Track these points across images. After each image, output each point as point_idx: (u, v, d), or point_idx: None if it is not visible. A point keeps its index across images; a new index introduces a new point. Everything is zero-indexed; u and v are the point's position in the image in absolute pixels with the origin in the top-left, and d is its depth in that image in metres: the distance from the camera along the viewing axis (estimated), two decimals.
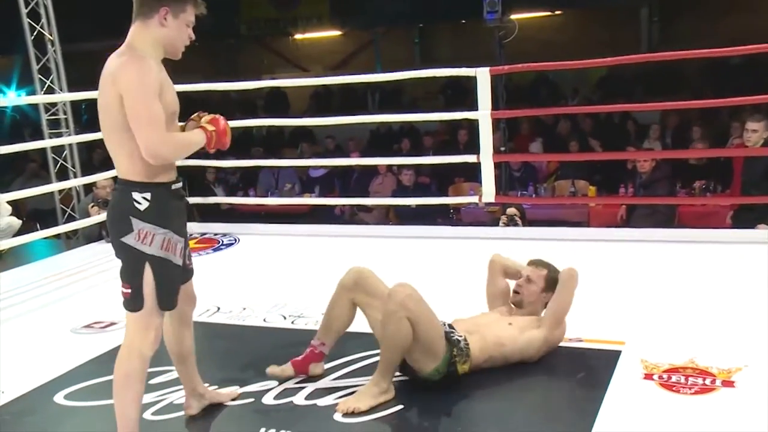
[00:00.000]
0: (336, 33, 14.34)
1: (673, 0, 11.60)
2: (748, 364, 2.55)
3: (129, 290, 2.22)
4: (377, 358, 2.79)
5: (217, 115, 2.33)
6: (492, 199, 4.82)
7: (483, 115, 4.51)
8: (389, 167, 7.99)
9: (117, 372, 2.24)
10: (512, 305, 2.89)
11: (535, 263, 2.88)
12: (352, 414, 2.44)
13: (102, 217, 5.03)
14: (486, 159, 4.59)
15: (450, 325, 2.63)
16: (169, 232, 2.20)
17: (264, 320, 3.40)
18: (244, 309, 3.53)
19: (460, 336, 2.60)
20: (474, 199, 5.52)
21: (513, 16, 6.91)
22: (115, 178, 2.29)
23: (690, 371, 2.55)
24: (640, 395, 2.44)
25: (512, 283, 2.92)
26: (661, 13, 12.15)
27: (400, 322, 2.45)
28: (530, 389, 2.60)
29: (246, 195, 8.55)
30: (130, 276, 2.21)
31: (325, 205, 7.49)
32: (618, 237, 4.42)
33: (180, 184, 2.29)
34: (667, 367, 2.59)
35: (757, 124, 4.83)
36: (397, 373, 2.61)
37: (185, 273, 2.36)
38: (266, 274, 4.18)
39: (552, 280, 2.81)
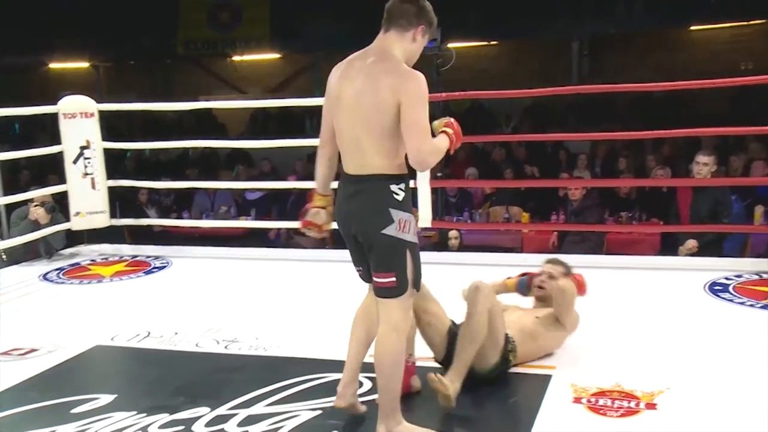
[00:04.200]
0: (275, 56, 14.31)
1: (601, 35, 12.04)
2: (670, 387, 2.64)
3: (393, 278, 2.30)
4: (315, 383, 2.79)
5: (450, 119, 2.41)
6: (429, 224, 4.88)
7: None
8: None
9: (386, 356, 2.33)
10: (537, 301, 3.09)
11: (553, 261, 3.14)
12: (444, 398, 2.51)
13: (32, 235, 4.82)
14: (423, 184, 4.65)
15: None
16: (414, 219, 2.33)
17: (197, 345, 3.33)
18: (176, 333, 3.45)
19: (507, 331, 2.80)
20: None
21: (450, 45, 7.04)
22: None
23: (616, 395, 2.62)
24: (569, 419, 2.50)
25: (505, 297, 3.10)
26: (591, 47, 12.60)
27: (483, 316, 2.64)
28: (464, 413, 2.62)
29: (180, 217, 8.39)
30: (395, 265, 2.30)
31: (260, 229, 7.41)
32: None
33: None
34: (595, 390, 2.66)
35: (707, 157, 4.99)
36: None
37: None
38: (199, 297, 4.10)
39: (568, 274, 3.07)
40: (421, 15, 2.34)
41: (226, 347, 3.29)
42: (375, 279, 2.34)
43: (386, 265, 2.30)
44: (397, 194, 2.28)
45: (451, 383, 2.54)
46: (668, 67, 11.00)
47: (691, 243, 4.94)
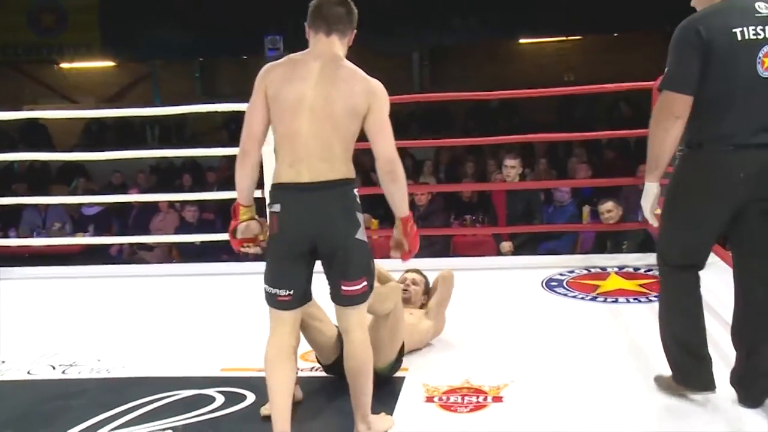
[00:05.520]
0: (109, 64, 13.60)
1: (440, 46, 12.56)
2: (514, 380, 2.78)
3: (365, 283, 2.29)
4: (164, 402, 2.68)
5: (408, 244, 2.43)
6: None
7: (269, 150, 4.51)
8: (171, 204, 7.68)
9: (368, 363, 2.34)
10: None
11: (416, 270, 3.35)
12: None
13: None
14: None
15: None
16: None
17: (28, 372, 3.07)
18: (3, 362, 3.16)
19: None
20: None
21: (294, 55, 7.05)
22: None
23: (465, 391, 2.72)
24: (422, 418, 2.56)
25: None
26: (431, 57, 13.11)
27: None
28: (319, 416, 2.61)
29: (5, 236, 7.74)
30: (366, 269, 2.29)
31: (100, 245, 7.00)
32: (399, 267, 4.60)
33: None
34: (446, 388, 2.74)
35: (513, 161, 5.36)
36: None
37: None
38: (31, 321, 3.77)
39: (428, 283, 3.33)
40: (353, 18, 2.37)
41: (63, 372, 3.06)
42: (345, 288, 2.27)
43: (360, 272, 2.27)
44: (357, 198, 2.29)
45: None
46: (501, 77, 11.68)
47: (507, 245, 5.29)
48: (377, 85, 2.29)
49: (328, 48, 2.31)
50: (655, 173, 2.45)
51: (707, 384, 2.48)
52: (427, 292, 3.31)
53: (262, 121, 2.30)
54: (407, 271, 3.34)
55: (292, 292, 2.29)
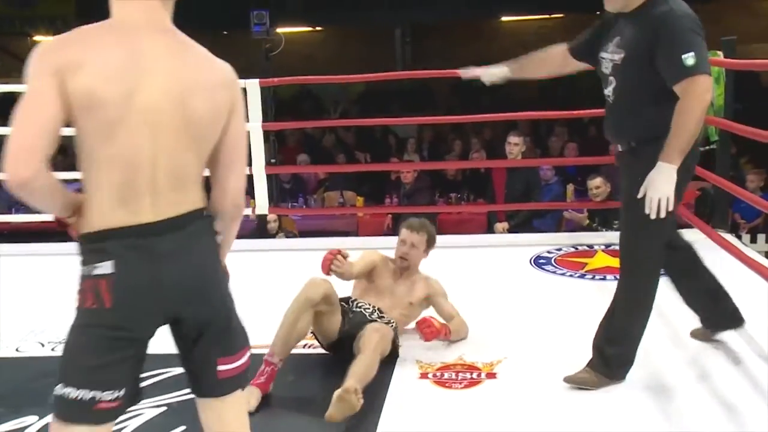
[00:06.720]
0: None
1: (422, 23, 12.49)
2: (507, 356, 2.81)
3: (248, 353, 1.60)
4: (157, 379, 2.67)
5: None
6: (265, 211, 4.81)
7: (254, 127, 4.48)
8: None
9: None
10: (399, 269, 3.07)
11: (413, 228, 3.02)
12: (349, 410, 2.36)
13: None
14: (258, 171, 4.57)
15: (379, 309, 2.86)
16: None
17: (17, 350, 3.04)
18: None
19: (391, 319, 2.85)
20: (247, 211, 5.44)
21: (277, 30, 6.94)
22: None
23: (459, 368, 2.75)
24: (417, 394, 2.58)
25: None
26: (413, 34, 13.03)
27: (377, 358, 2.58)
28: (316, 393, 2.61)
29: None
30: (246, 333, 1.62)
31: None
32: (385, 245, 4.60)
33: None
34: (440, 365, 2.77)
35: (517, 138, 5.38)
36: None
37: None
38: (20, 298, 3.71)
39: (431, 237, 3.03)
40: None
41: (53, 349, 3.02)
42: (224, 368, 1.56)
43: (243, 339, 1.61)
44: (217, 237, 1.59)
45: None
46: (484, 55, 11.58)
47: (501, 226, 5.31)
48: (235, 74, 1.56)
49: (157, 15, 1.48)
50: (681, 157, 2.28)
51: (625, 374, 2.58)
52: (432, 244, 3.08)
53: (56, 128, 1.41)
54: (406, 227, 3.07)
55: (122, 393, 1.48)
